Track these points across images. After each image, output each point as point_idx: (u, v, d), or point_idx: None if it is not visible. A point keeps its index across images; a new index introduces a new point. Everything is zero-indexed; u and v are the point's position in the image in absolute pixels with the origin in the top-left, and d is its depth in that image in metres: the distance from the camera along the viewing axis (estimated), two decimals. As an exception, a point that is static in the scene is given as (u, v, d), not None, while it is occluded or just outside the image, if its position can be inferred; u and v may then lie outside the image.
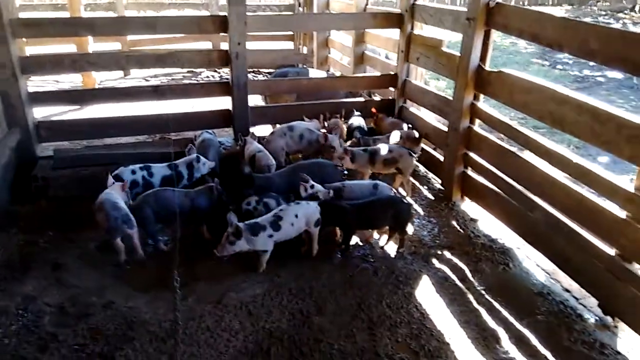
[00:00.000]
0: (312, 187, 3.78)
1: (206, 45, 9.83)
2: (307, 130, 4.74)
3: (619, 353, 2.85)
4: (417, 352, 2.84)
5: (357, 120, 5.15)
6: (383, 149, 4.43)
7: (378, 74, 5.94)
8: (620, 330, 3.03)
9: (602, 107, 2.92)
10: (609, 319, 3.10)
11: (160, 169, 4.14)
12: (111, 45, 9.47)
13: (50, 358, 2.73)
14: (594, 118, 2.95)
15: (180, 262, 3.59)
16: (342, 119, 5.25)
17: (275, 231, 3.42)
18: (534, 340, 2.94)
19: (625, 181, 2.88)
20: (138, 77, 9.44)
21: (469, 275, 3.54)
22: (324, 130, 4.76)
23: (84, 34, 5.80)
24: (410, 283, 3.44)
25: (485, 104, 4.21)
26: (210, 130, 4.80)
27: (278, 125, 4.97)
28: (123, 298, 3.25)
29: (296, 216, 3.49)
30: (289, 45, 9.77)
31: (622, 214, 2.87)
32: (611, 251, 2.99)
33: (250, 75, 8.54)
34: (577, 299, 3.31)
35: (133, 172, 4.04)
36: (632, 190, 2.77)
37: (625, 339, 2.96)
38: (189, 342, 2.88)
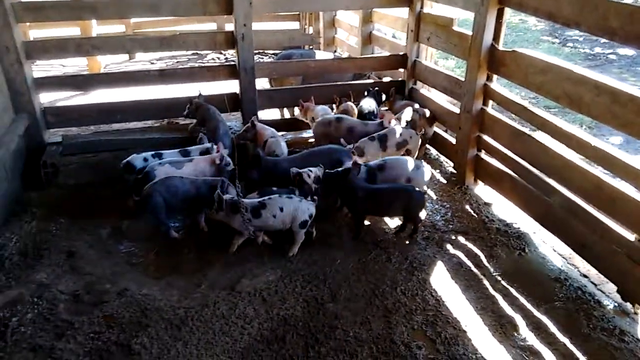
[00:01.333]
0: (310, 172, 3.68)
1: (211, 26, 9.69)
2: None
3: (639, 340, 2.81)
4: (433, 339, 2.82)
5: (367, 103, 5.05)
6: (392, 133, 4.36)
7: (387, 54, 5.82)
8: None
9: (621, 88, 2.84)
10: (628, 305, 3.06)
11: (171, 155, 4.12)
12: (115, 27, 9.36)
13: (67, 345, 2.74)
14: (614, 99, 2.86)
15: (193, 249, 3.60)
16: (353, 101, 5.17)
17: (254, 217, 3.36)
18: (552, 328, 2.91)
19: (646, 165, 2.81)
20: (144, 59, 9.35)
21: (484, 260, 3.50)
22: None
23: (87, 17, 5.70)
24: (425, 269, 3.41)
25: (497, 84, 4.12)
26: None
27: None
28: (137, 285, 3.24)
29: (281, 209, 3.40)
30: (294, 25, 9.62)
31: (643, 198, 2.81)
32: (631, 236, 2.93)
33: (255, 58, 8.48)
34: (595, 285, 3.27)
35: (145, 159, 4.01)
36: (654, 174, 2.70)
37: (644, 325, 2.93)
38: (203, 329, 2.88)
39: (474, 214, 4.05)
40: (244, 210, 3.35)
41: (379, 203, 3.67)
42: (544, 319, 2.97)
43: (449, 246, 3.66)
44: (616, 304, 3.09)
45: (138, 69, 8.42)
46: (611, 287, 3.17)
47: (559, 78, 3.28)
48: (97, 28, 8.15)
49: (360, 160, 4.06)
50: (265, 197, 3.46)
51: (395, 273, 3.37)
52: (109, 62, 8.92)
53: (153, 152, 4.10)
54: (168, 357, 2.70)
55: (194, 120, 4.80)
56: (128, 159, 4.01)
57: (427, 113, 4.88)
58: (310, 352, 2.74)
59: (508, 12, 3.89)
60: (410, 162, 3.92)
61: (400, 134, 4.36)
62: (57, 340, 2.77)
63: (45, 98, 5.04)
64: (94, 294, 3.15)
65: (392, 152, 4.37)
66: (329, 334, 2.87)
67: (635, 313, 3.01)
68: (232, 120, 5.44)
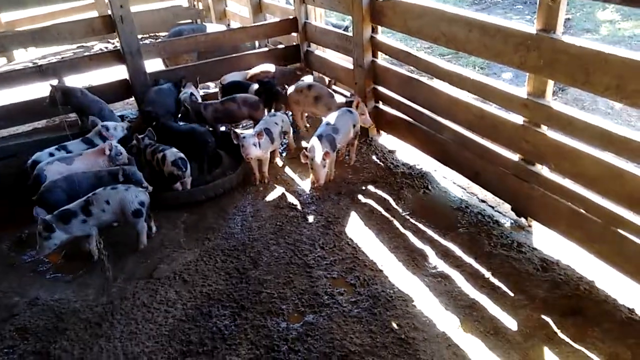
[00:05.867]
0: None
1: (93, 15, 9.09)
2: None
3: (535, 249, 3.10)
4: (353, 284, 2.95)
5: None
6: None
7: (277, 19, 5.78)
8: (533, 228, 3.29)
9: (488, 21, 3.03)
10: (522, 220, 3.35)
11: (77, 145, 3.96)
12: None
13: (-21, 367, 2.58)
14: (484, 32, 3.05)
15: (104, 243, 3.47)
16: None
17: (87, 216, 3.22)
18: (459, 252, 3.14)
19: (519, 90, 3.04)
20: (24, 60, 8.62)
21: (393, 203, 3.67)
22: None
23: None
24: (340, 221, 3.53)
25: (382, 36, 4.24)
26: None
27: None
28: (48, 292, 3.11)
29: (107, 202, 3.27)
30: (183, 2, 9.24)
31: (519, 120, 3.05)
32: (515, 157, 3.19)
33: (147, 42, 8.08)
34: (492, 207, 3.55)
35: (51, 154, 3.81)
36: (525, 97, 2.93)
37: (538, 235, 3.22)
38: (125, 321, 2.82)
39: (380, 163, 4.21)
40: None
41: None
42: (451, 246, 3.20)
43: (360, 196, 3.80)
44: (512, 221, 3.38)
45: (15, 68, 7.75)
46: (506, 207, 3.45)
47: (434, 20, 3.44)
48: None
49: None
50: (90, 194, 3.29)
51: (312, 231, 3.46)
52: (-16, 68, 8.15)
53: (57, 146, 3.90)
54: (91, 355, 2.63)
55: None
56: (33, 157, 3.78)
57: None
58: (238, 319, 2.78)
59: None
60: None
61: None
62: (-34, 364, 2.60)
63: None
64: (2, 309, 2.99)
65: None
66: (254, 299, 2.92)
67: (529, 226, 3.31)
68: (128, 110, 5.22)
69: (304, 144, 4.54)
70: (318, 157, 3.59)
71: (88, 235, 3.29)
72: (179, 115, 4.47)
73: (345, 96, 4.74)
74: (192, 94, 4.72)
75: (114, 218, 3.32)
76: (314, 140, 3.73)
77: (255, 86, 4.76)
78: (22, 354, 2.67)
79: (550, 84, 2.86)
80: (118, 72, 5.04)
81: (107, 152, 3.72)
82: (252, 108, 4.52)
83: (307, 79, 4.90)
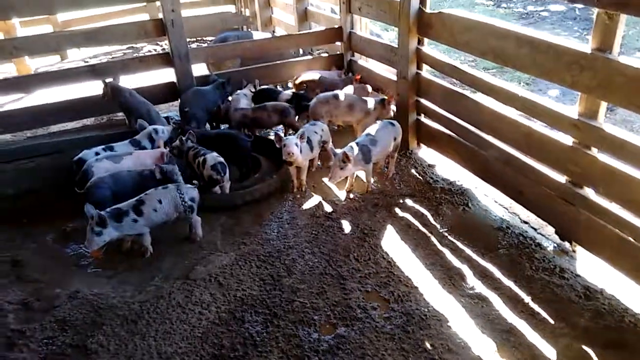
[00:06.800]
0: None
1: (144, 18, 9.38)
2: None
3: (578, 275, 2.99)
4: (387, 299, 2.91)
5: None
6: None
7: (322, 28, 5.82)
8: (577, 253, 3.17)
9: (540, 37, 2.95)
10: (566, 244, 3.23)
11: (123, 147, 4.05)
12: (43, 28, 8.92)
13: (19, 355, 2.67)
14: (534, 48, 2.98)
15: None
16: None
17: (138, 216, 3.26)
18: (498, 273, 3.05)
19: (569, 109, 2.95)
20: (76, 59, 8.98)
21: (431, 219, 3.61)
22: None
23: (6, 16, 5.41)
24: (376, 234, 3.49)
25: (433, 49, 4.20)
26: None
27: None
28: (88, 286, 3.18)
29: (160, 202, 3.34)
30: (231, 9, 9.43)
31: (568, 141, 2.95)
32: (562, 178, 3.09)
33: (194, 45, 8.28)
34: (535, 229, 3.44)
35: (97, 153, 3.92)
36: (576, 117, 2.84)
37: (582, 261, 3.10)
38: (160, 320, 2.86)
39: (419, 177, 4.16)
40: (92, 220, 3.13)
41: None
42: (489, 267, 3.11)
43: (397, 210, 3.75)
44: (555, 245, 3.26)
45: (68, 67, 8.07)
46: (550, 230, 3.34)
47: (483, 34, 3.38)
48: (23, 31, 7.75)
49: None
50: (142, 194, 3.36)
51: (348, 242, 3.44)
52: (39, 65, 8.52)
53: (104, 146, 4.01)
54: (126, 352, 2.68)
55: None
56: (80, 155, 3.90)
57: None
58: (270, 327, 2.78)
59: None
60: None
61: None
62: (8, 350, 2.69)
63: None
64: (44, 300, 3.08)
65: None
66: (286, 307, 2.91)
67: (574, 251, 3.19)
68: (173, 112, 5.35)
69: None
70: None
71: (140, 234, 3.38)
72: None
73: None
74: (236, 96, 4.81)
75: (165, 218, 3.39)
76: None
77: (286, 93, 4.83)
78: (60, 345, 2.74)
79: (603, 105, 2.76)
80: (165, 75, 5.17)
81: (166, 159, 3.81)
82: (282, 115, 4.61)
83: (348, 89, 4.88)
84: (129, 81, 4.92)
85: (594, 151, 2.82)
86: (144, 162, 3.82)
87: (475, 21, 3.44)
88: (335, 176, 3.69)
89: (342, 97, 4.49)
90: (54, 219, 3.88)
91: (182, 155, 4.01)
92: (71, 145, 4.31)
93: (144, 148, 4.09)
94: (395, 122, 4.07)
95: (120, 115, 5.02)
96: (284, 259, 3.31)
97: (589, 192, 2.94)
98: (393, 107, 4.48)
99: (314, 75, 5.23)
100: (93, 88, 4.74)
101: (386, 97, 4.43)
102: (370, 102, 4.47)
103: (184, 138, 4.01)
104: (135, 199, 3.34)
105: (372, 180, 3.99)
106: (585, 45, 2.69)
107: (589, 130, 2.78)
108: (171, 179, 3.58)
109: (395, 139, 3.99)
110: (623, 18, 2.52)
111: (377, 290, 2.99)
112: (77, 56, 9.03)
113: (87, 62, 8.76)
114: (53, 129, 5.16)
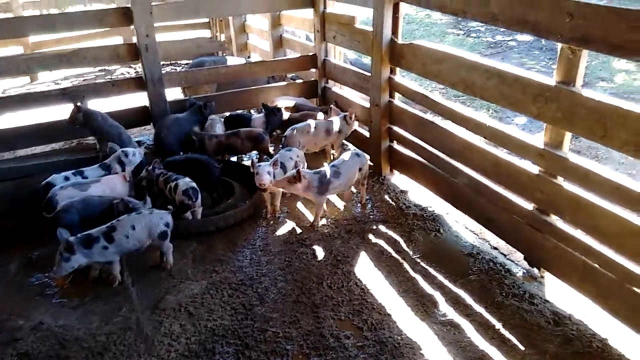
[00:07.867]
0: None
1: (118, 41, 9.33)
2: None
3: (547, 301, 3.03)
4: (360, 327, 2.90)
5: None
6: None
7: (297, 55, 5.89)
8: (546, 279, 3.23)
9: (508, 70, 3.06)
10: (535, 270, 3.29)
11: (93, 172, 3.98)
12: (14, 50, 8.77)
13: (-22, 393, 2.55)
14: (502, 81, 3.08)
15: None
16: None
17: (108, 243, 3.20)
18: (469, 300, 3.08)
19: (535, 139, 3.04)
20: (47, 81, 8.84)
21: (404, 245, 3.64)
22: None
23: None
24: (349, 261, 3.49)
25: (405, 78, 4.29)
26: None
27: None
28: (52, 317, 3.08)
29: (133, 228, 3.27)
30: (206, 33, 9.48)
31: (535, 169, 3.03)
32: (529, 206, 3.16)
33: (168, 69, 8.26)
34: (504, 255, 3.50)
35: (66, 178, 3.84)
36: (542, 147, 2.93)
37: (550, 287, 3.16)
38: (127, 353, 2.78)
39: (392, 202, 4.20)
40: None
41: None
42: (461, 293, 3.14)
43: (370, 236, 3.77)
44: (524, 271, 3.32)
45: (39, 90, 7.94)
46: (519, 256, 3.40)
47: (453, 66, 3.48)
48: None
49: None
50: (114, 220, 3.30)
51: (321, 269, 3.42)
52: (8, 87, 8.35)
53: (74, 171, 3.93)
54: (91, 386, 2.59)
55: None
56: (48, 179, 3.81)
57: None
58: (241, 358, 2.73)
59: (404, 7, 4.06)
60: None
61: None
62: (-35, 388, 2.57)
63: None
64: (5, 332, 2.96)
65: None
66: (258, 337, 2.87)
67: (542, 277, 3.25)
68: (145, 135, 5.29)
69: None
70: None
71: (109, 262, 3.29)
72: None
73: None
74: (211, 120, 4.81)
75: (137, 245, 3.31)
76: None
77: (257, 117, 4.89)
78: (22, 380, 2.64)
79: (568, 135, 2.86)
80: (138, 98, 5.13)
81: (128, 179, 3.76)
82: (256, 142, 4.60)
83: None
84: (101, 105, 4.87)
85: (560, 180, 2.91)
86: (114, 187, 3.75)
87: (445, 53, 3.54)
88: (279, 184, 3.70)
89: (319, 125, 4.59)
90: (18, 247, 3.75)
91: (151, 184, 3.95)
92: (39, 170, 4.22)
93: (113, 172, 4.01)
94: (361, 152, 4.12)
95: (91, 139, 4.94)
96: (256, 287, 3.27)
97: (556, 220, 3.01)
98: (355, 123, 4.69)
99: (288, 101, 5.27)
100: (63, 111, 4.66)
101: (347, 113, 4.66)
102: (337, 122, 4.65)
103: (149, 168, 3.95)
104: (107, 225, 3.27)
105: (319, 218, 3.92)
106: (550, 78, 2.80)
107: (555, 159, 2.87)
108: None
109: (360, 169, 4.00)
110: (585, 53, 2.64)
111: (351, 318, 2.97)
112: (47, 78, 8.89)
113: (58, 83, 8.64)
114: (20, 153, 5.04)
